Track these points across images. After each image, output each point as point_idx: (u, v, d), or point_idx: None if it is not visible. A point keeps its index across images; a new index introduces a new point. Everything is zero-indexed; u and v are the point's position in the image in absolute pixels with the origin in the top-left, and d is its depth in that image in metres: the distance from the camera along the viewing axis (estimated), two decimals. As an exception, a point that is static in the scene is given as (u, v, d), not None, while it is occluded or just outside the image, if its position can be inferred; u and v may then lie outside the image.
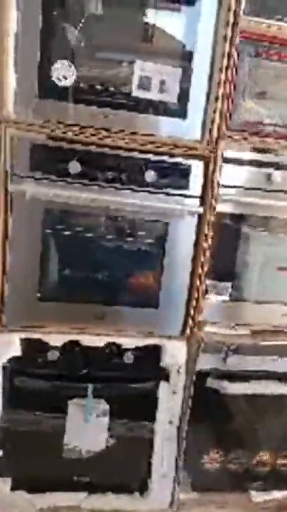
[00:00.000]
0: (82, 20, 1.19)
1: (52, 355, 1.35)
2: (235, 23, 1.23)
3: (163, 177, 1.31)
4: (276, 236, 1.44)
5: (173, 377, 1.42)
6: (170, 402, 1.44)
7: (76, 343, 1.35)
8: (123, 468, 1.46)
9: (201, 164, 1.32)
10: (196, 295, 1.40)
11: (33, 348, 1.34)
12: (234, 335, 1.45)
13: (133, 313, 1.40)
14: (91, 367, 1.37)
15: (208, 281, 1.41)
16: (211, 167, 1.32)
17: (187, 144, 1.30)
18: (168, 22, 1.23)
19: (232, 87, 1.28)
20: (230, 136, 1.32)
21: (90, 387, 1.36)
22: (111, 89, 1.25)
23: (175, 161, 1.31)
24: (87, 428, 1.38)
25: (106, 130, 1.26)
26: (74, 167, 1.25)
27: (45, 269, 1.33)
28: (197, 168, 1.32)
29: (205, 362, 1.44)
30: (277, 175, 1.35)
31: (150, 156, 1.29)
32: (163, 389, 1.43)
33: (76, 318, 1.36)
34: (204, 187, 1.34)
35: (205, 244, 1.37)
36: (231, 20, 1.23)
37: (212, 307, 1.43)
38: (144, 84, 1.24)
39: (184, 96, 1.27)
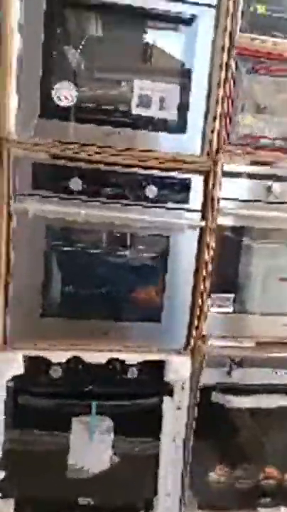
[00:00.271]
0: (83, 42, 1.22)
1: (55, 373, 1.34)
2: (232, 41, 1.26)
3: (164, 192, 1.32)
4: (278, 247, 1.45)
5: (177, 392, 1.41)
6: (175, 417, 1.42)
7: (79, 359, 1.34)
8: (128, 487, 1.44)
9: (201, 178, 1.34)
10: (199, 308, 1.40)
11: (36, 365, 1.33)
12: (238, 348, 1.45)
13: (135, 328, 1.39)
14: (95, 383, 1.37)
15: (211, 295, 1.41)
16: (211, 181, 1.34)
17: (187, 159, 1.32)
18: (166, 42, 1.26)
19: (230, 102, 1.31)
20: (229, 150, 1.33)
21: (94, 404, 1.35)
22: (112, 108, 1.27)
23: (175, 176, 1.32)
24: (92, 446, 1.37)
25: (107, 148, 1.27)
26: (76, 184, 1.27)
27: (47, 285, 1.33)
28: (197, 182, 1.34)
29: (209, 376, 1.43)
30: (277, 187, 1.36)
31: (150, 171, 1.31)
32: (168, 404, 1.41)
33: (78, 334, 1.36)
34: (205, 200, 1.35)
35: (207, 258, 1.37)
36: (228, 37, 1.26)
37: (215, 320, 1.43)
38: (144, 102, 1.26)
39: (183, 112, 1.29)
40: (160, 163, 1.31)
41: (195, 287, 1.40)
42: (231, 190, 1.36)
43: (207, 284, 1.39)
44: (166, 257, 1.37)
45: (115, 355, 1.36)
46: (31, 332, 1.34)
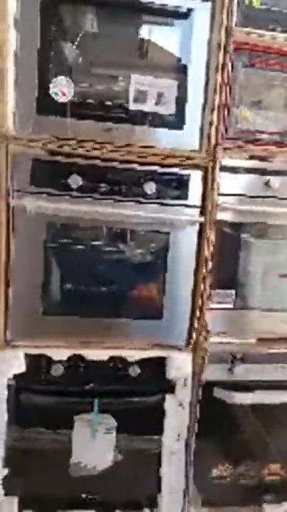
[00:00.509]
0: (79, 37, 1.22)
1: (57, 370, 1.33)
2: (228, 35, 1.27)
3: (163, 188, 1.32)
4: (277, 243, 1.45)
5: (179, 389, 1.40)
6: (177, 414, 1.42)
7: (80, 357, 1.34)
8: (132, 485, 1.44)
9: (199, 174, 1.34)
10: (200, 305, 1.40)
11: (38, 363, 1.33)
12: (239, 344, 1.44)
13: (137, 325, 1.39)
14: (97, 381, 1.36)
15: (211, 291, 1.41)
16: (209, 176, 1.34)
17: (185, 155, 1.32)
18: (162, 37, 1.27)
19: (228, 96, 1.31)
20: (227, 145, 1.34)
21: (96, 402, 1.34)
22: (109, 103, 1.27)
23: (173, 172, 1.32)
24: (94, 444, 1.36)
25: (105, 143, 1.27)
26: (75, 181, 1.27)
27: (48, 283, 1.33)
28: (195, 177, 1.34)
29: (211, 372, 1.43)
30: (275, 181, 1.36)
31: (149, 167, 1.31)
32: (170, 401, 1.41)
33: (80, 331, 1.36)
34: (204, 196, 1.35)
35: (207, 254, 1.37)
36: (224, 31, 1.26)
37: (216, 317, 1.42)
38: (141, 97, 1.27)
39: (180, 107, 1.29)
40: (158, 159, 1.31)
41: (195, 283, 1.40)
42: (230, 185, 1.36)
43: (208, 280, 1.39)
44: (166, 254, 1.37)
45: (116, 352, 1.36)
46: (32, 330, 1.34)
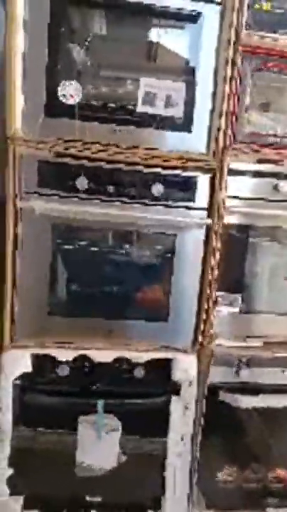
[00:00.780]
0: (88, 40, 1.23)
1: (63, 371, 1.34)
2: (237, 38, 1.26)
3: (170, 190, 1.32)
4: (284, 246, 1.44)
5: (185, 391, 1.40)
6: (182, 416, 1.42)
7: (86, 357, 1.35)
8: (136, 487, 1.44)
9: (207, 176, 1.34)
10: (206, 307, 1.40)
11: (43, 363, 1.34)
12: (245, 347, 1.44)
13: (142, 327, 1.39)
14: (102, 382, 1.37)
15: (217, 293, 1.40)
16: (217, 179, 1.33)
17: (193, 157, 1.32)
18: (171, 39, 1.27)
19: (236, 99, 1.30)
20: (235, 148, 1.33)
21: (100, 403, 1.34)
22: (117, 106, 1.27)
23: (181, 174, 1.32)
24: (99, 445, 1.37)
25: (113, 146, 1.28)
26: (82, 183, 1.27)
27: (54, 283, 1.34)
28: (203, 180, 1.34)
29: (217, 375, 1.43)
30: (283, 185, 1.36)
31: (156, 169, 1.31)
32: (175, 404, 1.41)
33: (86, 332, 1.36)
34: (211, 199, 1.35)
35: (214, 256, 1.37)
36: (233, 34, 1.26)
37: (222, 319, 1.42)
38: (149, 100, 1.27)
39: (189, 110, 1.29)
40: (166, 161, 1.30)
41: (201, 286, 1.39)
42: (238, 188, 1.36)
43: (214, 282, 1.38)
44: (172, 256, 1.37)
45: (122, 353, 1.36)
46: (38, 330, 1.34)
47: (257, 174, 1.36)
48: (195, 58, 1.27)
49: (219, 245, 1.37)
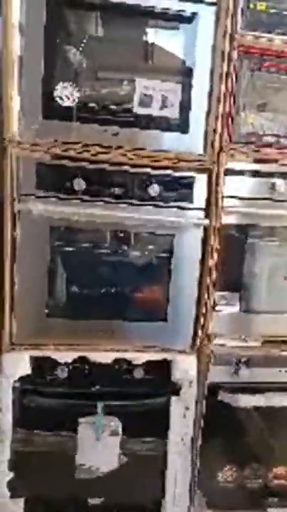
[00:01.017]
0: (84, 42, 1.23)
1: (62, 373, 1.34)
2: (232, 38, 1.27)
3: (167, 191, 1.32)
4: (282, 245, 1.44)
5: (184, 391, 1.40)
6: (182, 417, 1.42)
7: (85, 359, 1.35)
8: (137, 488, 1.44)
9: (204, 177, 1.34)
10: (205, 307, 1.40)
11: (43, 365, 1.34)
12: (244, 347, 1.44)
13: (141, 327, 1.39)
14: (102, 383, 1.37)
15: (216, 293, 1.40)
16: (214, 179, 1.33)
17: (190, 158, 1.32)
18: (167, 40, 1.26)
19: (232, 100, 1.31)
20: (232, 148, 1.33)
21: (100, 404, 1.34)
22: (114, 107, 1.27)
23: (178, 175, 1.32)
24: (99, 446, 1.36)
25: (110, 147, 1.28)
26: (79, 184, 1.27)
27: (52, 285, 1.34)
28: (200, 180, 1.34)
29: (216, 375, 1.43)
30: (281, 184, 1.36)
31: (153, 170, 1.31)
32: (175, 404, 1.41)
33: (84, 334, 1.36)
34: (209, 199, 1.35)
35: (212, 256, 1.37)
36: (229, 35, 1.26)
37: (221, 319, 1.42)
38: (146, 101, 1.27)
39: (185, 111, 1.29)
40: (163, 162, 1.31)
41: (200, 286, 1.40)
42: (235, 188, 1.36)
43: (213, 282, 1.38)
44: (171, 256, 1.37)
45: (121, 355, 1.36)
46: (37, 332, 1.34)
47: (254, 174, 1.36)
48: (190, 59, 1.27)
49: (217, 245, 1.37)
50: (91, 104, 1.26)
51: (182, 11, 1.24)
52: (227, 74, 1.29)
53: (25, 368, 1.32)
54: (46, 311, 1.34)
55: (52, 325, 1.35)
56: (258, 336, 1.45)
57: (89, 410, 1.35)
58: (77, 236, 1.34)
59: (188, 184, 1.33)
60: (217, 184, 1.33)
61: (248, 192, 1.37)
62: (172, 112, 1.29)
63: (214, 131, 1.32)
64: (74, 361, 1.34)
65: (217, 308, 1.41)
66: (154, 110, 1.27)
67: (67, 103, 1.23)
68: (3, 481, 1.36)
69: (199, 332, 1.41)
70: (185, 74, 1.28)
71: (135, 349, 1.38)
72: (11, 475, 1.36)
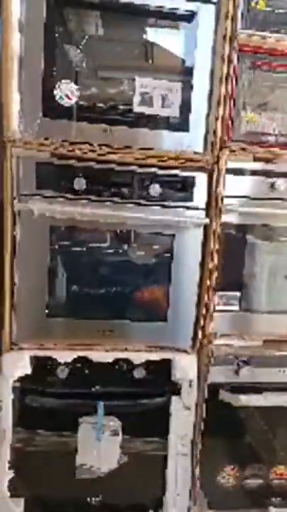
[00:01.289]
0: (84, 41, 1.23)
1: (62, 373, 1.34)
2: (232, 37, 1.26)
3: (168, 190, 1.32)
4: (282, 244, 1.44)
5: (185, 391, 1.40)
6: (183, 417, 1.41)
7: (85, 359, 1.34)
8: (137, 487, 1.44)
9: (205, 176, 1.34)
10: (205, 307, 1.40)
11: (43, 365, 1.34)
12: (245, 346, 1.44)
13: (142, 327, 1.39)
14: (102, 383, 1.37)
15: (217, 293, 1.40)
16: (214, 178, 1.33)
17: (190, 157, 1.32)
18: (167, 39, 1.27)
19: (233, 99, 1.31)
20: (232, 147, 1.33)
21: (101, 404, 1.34)
22: (114, 106, 1.27)
23: (178, 174, 1.32)
24: (99, 446, 1.36)
25: (110, 146, 1.28)
26: (80, 184, 1.27)
27: (52, 285, 1.34)
28: (200, 179, 1.34)
29: (217, 375, 1.42)
30: (281, 183, 1.36)
31: (154, 169, 1.31)
32: (175, 404, 1.41)
33: (85, 334, 1.36)
34: (209, 198, 1.35)
35: (212, 256, 1.37)
36: (229, 34, 1.26)
37: (221, 319, 1.42)
38: (146, 100, 1.27)
39: (185, 110, 1.29)
40: (163, 161, 1.31)
41: (200, 286, 1.39)
42: (235, 187, 1.36)
43: (213, 282, 1.38)
44: (171, 256, 1.37)
45: (121, 354, 1.36)
46: (37, 332, 1.34)
47: (254, 173, 1.36)
48: (190, 58, 1.27)
49: (217, 245, 1.37)
50: (92, 103, 1.26)
51: (182, 9, 1.24)
52: (227, 73, 1.29)
53: (25, 368, 1.31)
54: (46, 310, 1.34)
55: (53, 325, 1.35)
56: (258, 336, 1.45)
57: (89, 410, 1.35)
58: (77, 236, 1.34)
59: (188, 183, 1.33)
60: (217, 183, 1.33)
61: (249, 191, 1.37)
62: (173, 111, 1.29)
63: (215, 130, 1.32)
64: (75, 361, 1.34)
65: (217, 308, 1.41)
66: (154, 109, 1.27)
67: (67, 102, 1.23)
68: (4, 480, 1.35)
69: (200, 332, 1.41)
70: (185, 73, 1.28)
71: (135, 349, 1.38)
72: (11, 474, 1.36)
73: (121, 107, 1.27)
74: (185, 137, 1.31)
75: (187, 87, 1.28)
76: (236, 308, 1.43)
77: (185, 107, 1.29)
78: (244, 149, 1.34)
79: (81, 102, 1.24)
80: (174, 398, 1.40)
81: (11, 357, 1.31)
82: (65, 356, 1.33)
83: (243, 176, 1.36)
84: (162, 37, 1.26)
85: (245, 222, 1.39)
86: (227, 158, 1.33)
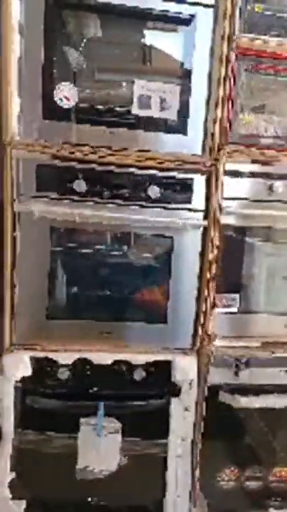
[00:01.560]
0: (83, 43, 1.24)
1: (63, 374, 1.34)
2: (230, 40, 1.27)
3: (166, 192, 1.33)
4: (281, 246, 1.45)
5: (185, 392, 1.40)
6: (183, 418, 1.41)
7: (86, 360, 1.35)
8: (137, 489, 1.43)
9: (203, 178, 1.34)
10: (204, 308, 1.40)
11: (43, 366, 1.34)
12: (244, 347, 1.44)
13: (141, 329, 1.39)
14: (102, 385, 1.36)
15: (216, 294, 1.41)
16: (213, 180, 1.34)
17: (189, 159, 1.33)
18: (165, 42, 1.28)
19: (230, 101, 1.32)
20: (231, 150, 1.34)
21: (101, 405, 1.34)
22: (113, 108, 1.28)
23: (177, 176, 1.33)
24: (100, 447, 1.36)
25: (109, 148, 1.28)
26: (80, 185, 1.28)
27: (52, 287, 1.34)
28: (199, 182, 1.34)
29: (216, 376, 1.43)
30: (279, 185, 1.37)
31: (152, 172, 1.32)
32: (175, 405, 1.41)
33: (85, 335, 1.36)
34: (207, 200, 1.35)
35: (211, 257, 1.38)
36: (227, 37, 1.27)
37: (220, 320, 1.42)
38: (144, 102, 1.28)
39: (184, 112, 1.30)
40: (162, 163, 1.31)
41: (199, 287, 1.40)
42: (234, 189, 1.36)
43: (212, 284, 1.39)
44: (170, 258, 1.37)
45: (121, 356, 1.36)
46: (38, 334, 1.35)
47: (252, 175, 1.37)
48: (189, 61, 1.28)
49: (216, 246, 1.37)
50: (91, 106, 1.27)
51: (180, 13, 1.25)
52: (225, 76, 1.30)
53: (25, 369, 1.32)
54: (46, 312, 1.34)
55: (53, 326, 1.35)
56: (257, 337, 1.45)
57: (89, 411, 1.35)
58: (77, 237, 1.34)
59: (187, 185, 1.34)
60: (215, 185, 1.34)
61: (247, 193, 1.37)
62: (171, 114, 1.29)
63: (213, 132, 1.32)
64: (75, 362, 1.34)
65: (216, 309, 1.41)
66: (153, 112, 1.28)
67: (66, 104, 1.24)
68: (5, 482, 1.35)
69: (199, 333, 1.41)
70: (183, 76, 1.29)
71: (135, 350, 1.38)
72: (13, 476, 1.36)
73: (119, 109, 1.28)
74: (183, 139, 1.32)
75: (186, 90, 1.29)
76: (236, 309, 1.43)
77: (183, 109, 1.30)
78: (241, 151, 1.35)
79: (80, 104, 1.25)
80: (174, 399, 1.40)
81: (12, 358, 1.31)
82: (65, 358, 1.33)
83: (241, 178, 1.37)
84: (160, 40, 1.27)
85: (244, 224, 1.39)
86: (225, 161, 1.34)
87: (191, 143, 1.33)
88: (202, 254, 1.38)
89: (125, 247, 1.37)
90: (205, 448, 1.45)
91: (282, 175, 1.38)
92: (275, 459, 1.54)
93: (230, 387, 1.44)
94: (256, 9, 1.26)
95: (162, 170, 1.32)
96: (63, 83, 1.23)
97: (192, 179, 1.34)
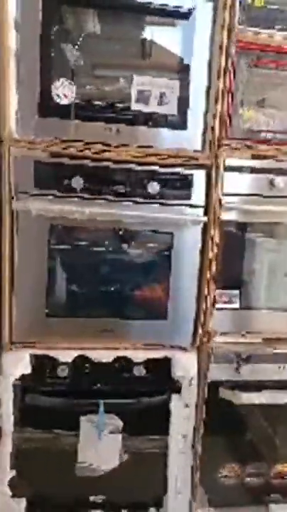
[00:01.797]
0: (80, 39, 1.23)
1: (63, 372, 1.34)
2: (230, 34, 1.26)
3: (166, 188, 1.32)
4: (282, 242, 1.44)
5: (185, 389, 1.40)
6: (183, 414, 1.42)
7: (85, 358, 1.35)
8: (138, 485, 1.44)
9: (203, 173, 1.33)
10: (205, 305, 1.40)
11: (43, 364, 1.34)
12: (245, 344, 1.44)
13: (141, 325, 1.39)
14: (102, 382, 1.37)
15: (216, 290, 1.40)
16: (213, 176, 1.33)
17: (189, 154, 1.32)
18: (164, 37, 1.26)
19: (231, 96, 1.30)
20: (231, 145, 1.33)
21: (101, 402, 1.34)
22: (111, 104, 1.27)
23: (177, 172, 1.32)
24: (100, 444, 1.36)
25: (108, 145, 1.27)
26: (78, 182, 1.27)
27: (52, 284, 1.33)
28: (199, 177, 1.33)
29: (217, 372, 1.43)
30: (279, 180, 1.36)
31: (152, 167, 1.31)
32: (175, 402, 1.41)
33: (84, 333, 1.36)
34: (208, 196, 1.34)
35: (211, 253, 1.37)
36: (226, 31, 1.26)
37: (221, 316, 1.42)
38: (143, 98, 1.26)
39: (183, 107, 1.29)
40: (161, 159, 1.30)
41: (200, 283, 1.39)
42: (234, 184, 1.36)
43: (212, 280, 1.38)
44: (170, 254, 1.37)
45: (121, 353, 1.36)
46: (37, 331, 1.34)
47: (253, 170, 1.36)
48: (188, 55, 1.27)
49: (216, 242, 1.36)
50: (89, 102, 1.26)
51: (180, 7, 1.23)
52: (225, 70, 1.28)
53: (25, 367, 1.32)
54: (46, 310, 1.33)
55: (52, 324, 1.35)
56: (258, 333, 1.45)
57: (90, 409, 1.35)
58: (75, 234, 1.33)
59: (187, 181, 1.33)
60: (215, 181, 1.33)
61: (247, 188, 1.37)
62: (170, 109, 1.28)
63: (213, 127, 1.31)
64: (75, 360, 1.34)
65: (217, 305, 1.41)
66: (152, 107, 1.27)
67: (64, 101, 1.23)
68: (5, 480, 1.36)
69: (200, 329, 1.41)
70: (183, 70, 1.27)
71: (135, 347, 1.38)
72: (13, 474, 1.36)
73: (118, 105, 1.27)
74: (183, 135, 1.31)
75: (185, 85, 1.28)
76: (236, 305, 1.43)
77: (183, 104, 1.28)
78: (242, 147, 1.34)
79: (78, 101, 1.24)
80: (174, 396, 1.40)
81: (11, 356, 1.32)
82: (65, 355, 1.33)
83: (241, 174, 1.36)
84: (159, 34, 1.25)
85: (244, 220, 1.39)
86: (226, 156, 1.33)
87: (191, 138, 1.32)
88: (203, 250, 1.38)
89: (124, 244, 1.36)
90: (206, 444, 1.45)
91: (283, 170, 1.37)
92: (276, 455, 1.54)
93: (231, 384, 1.44)
94: (257, 2, 1.24)
95: (162, 166, 1.31)
96: (61, 79, 1.22)
97: (191, 175, 1.33)
